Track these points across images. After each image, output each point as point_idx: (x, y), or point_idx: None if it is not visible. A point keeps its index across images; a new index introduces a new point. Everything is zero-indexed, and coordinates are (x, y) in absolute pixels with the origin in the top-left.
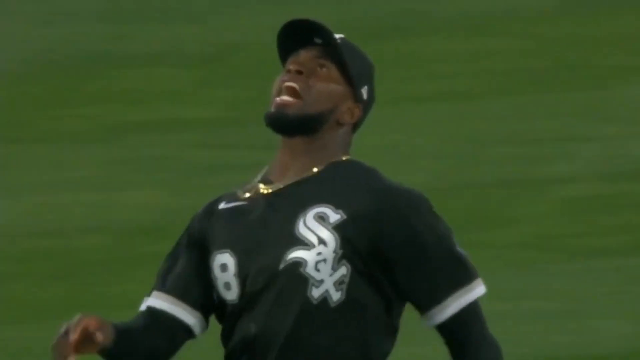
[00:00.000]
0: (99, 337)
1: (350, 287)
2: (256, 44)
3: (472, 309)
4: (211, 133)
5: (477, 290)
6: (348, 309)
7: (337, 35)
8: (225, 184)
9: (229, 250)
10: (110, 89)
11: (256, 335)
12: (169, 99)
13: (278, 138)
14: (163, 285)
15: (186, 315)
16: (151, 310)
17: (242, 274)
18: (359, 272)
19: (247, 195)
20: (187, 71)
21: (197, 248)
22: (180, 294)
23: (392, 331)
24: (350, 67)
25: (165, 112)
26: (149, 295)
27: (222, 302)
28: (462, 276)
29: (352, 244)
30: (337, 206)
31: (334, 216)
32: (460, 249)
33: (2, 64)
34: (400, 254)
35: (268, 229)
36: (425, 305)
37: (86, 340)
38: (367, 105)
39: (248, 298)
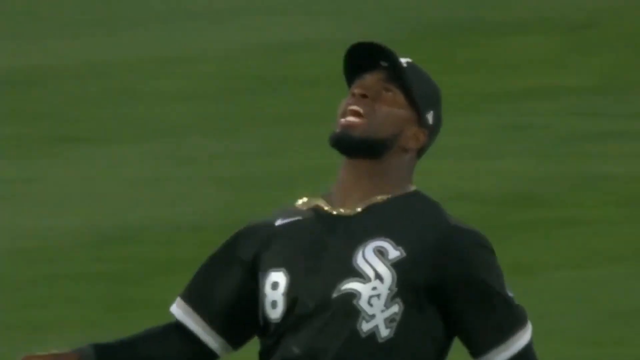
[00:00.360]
0: None
1: (400, 325)
2: (629, 9)
3: (529, 350)
4: (583, 101)
5: (524, 338)
6: (395, 347)
7: (404, 60)
8: (600, 152)
9: (283, 269)
10: (480, 57)
11: (299, 358)
12: (538, 67)
13: (342, 159)
14: (196, 305)
15: (212, 341)
16: (180, 326)
17: (292, 295)
18: (411, 311)
19: (306, 210)
20: (557, 38)
21: (240, 268)
22: (210, 319)
23: None
24: (416, 92)
25: (536, 81)
26: (181, 297)
27: (265, 320)
28: (516, 321)
29: (409, 282)
30: (397, 242)
31: (394, 252)
32: (510, 292)
33: (385, 33)
34: (459, 295)
35: (326, 254)
36: (480, 348)
37: None
38: (432, 131)
39: (294, 320)
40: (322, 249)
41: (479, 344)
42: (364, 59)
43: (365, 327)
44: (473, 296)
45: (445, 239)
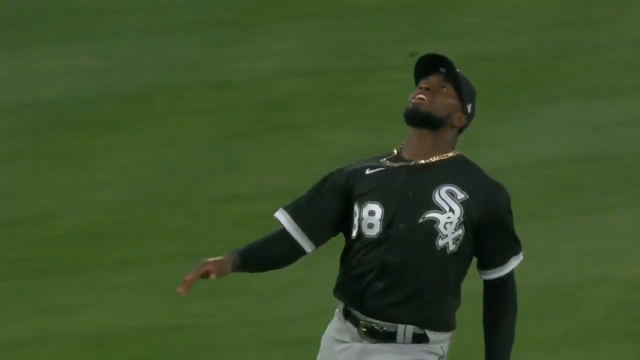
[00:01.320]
0: (213, 277)
1: (461, 243)
2: None
3: (513, 271)
4: None
5: (514, 264)
6: (457, 256)
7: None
8: None
9: (378, 202)
10: None
11: (393, 263)
12: None
13: (410, 130)
14: (300, 218)
15: (305, 243)
16: (283, 232)
17: (387, 220)
18: (467, 234)
19: (389, 163)
20: None
21: (339, 195)
22: (307, 229)
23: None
24: (463, 90)
25: None
26: (287, 210)
27: (359, 236)
28: (516, 248)
29: (469, 215)
30: (462, 188)
31: (460, 194)
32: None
33: None
34: (490, 226)
35: (412, 192)
36: (487, 264)
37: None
38: (470, 117)
39: (387, 237)
40: (409, 190)
41: (486, 262)
42: (429, 65)
43: (441, 242)
44: (498, 229)
45: (490, 190)
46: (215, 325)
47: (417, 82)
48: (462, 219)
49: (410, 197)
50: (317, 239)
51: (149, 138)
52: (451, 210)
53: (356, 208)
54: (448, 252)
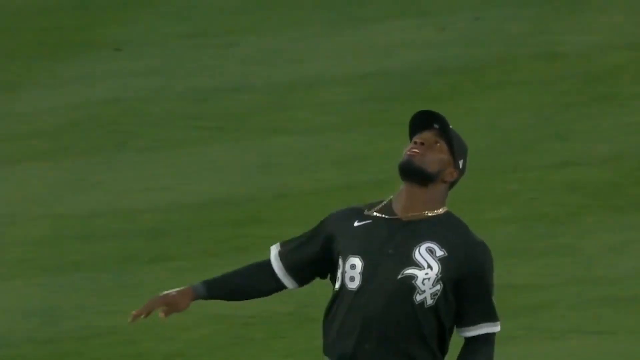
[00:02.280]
0: (161, 315)
1: (439, 298)
2: None
3: (492, 338)
4: None
5: (498, 327)
6: (434, 311)
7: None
8: None
9: (359, 256)
10: None
11: (372, 317)
12: None
13: (402, 184)
14: (286, 257)
15: (288, 282)
16: (270, 268)
17: (367, 274)
18: (445, 291)
19: (377, 215)
20: None
21: (325, 241)
22: (291, 270)
23: (449, 336)
24: (455, 146)
25: None
26: (280, 246)
27: (342, 287)
28: (493, 315)
29: (447, 272)
30: (442, 245)
31: (439, 252)
32: (494, 297)
33: None
34: (469, 287)
35: (392, 249)
36: (467, 322)
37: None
38: (461, 173)
39: (366, 291)
40: (390, 245)
41: (464, 321)
42: (424, 121)
43: (418, 298)
44: (477, 289)
45: (472, 250)
46: (546, 285)
47: (411, 137)
48: (439, 276)
49: (390, 254)
50: (300, 279)
51: (483, 108)
52: (429, 267)
53: (340, 261)
54: (426, 307)
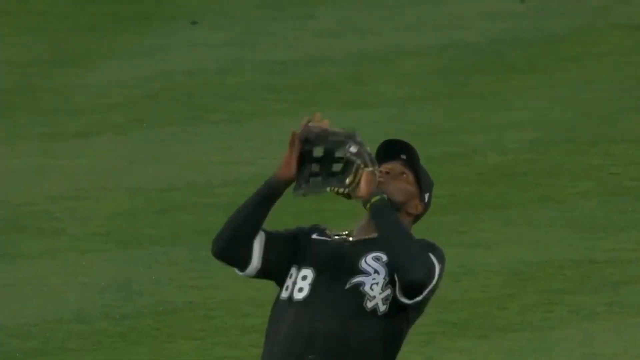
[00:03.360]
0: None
1: (391, 303)
2: None
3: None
4: None
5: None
6: (389, 318)
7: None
8: None
9: (312, 268)
10: None
11: (320, 329)
12: None
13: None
14: (271, 239)
15: (255, 258)
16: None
17: (315, 285)
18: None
19: (335, 237)
20: None
21: (293, 244)
22: (266, 256)
23: (401, 341)
24: (422, 178)
25: None
26: (265, 230)
27: (290, 298)
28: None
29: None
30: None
31: (385, 257)
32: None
33: None
34: None
35: (342, 261)
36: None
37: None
38: (426, 207)
39: (313, 303)
40: (340, 259)
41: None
42: (391, 150)
43: (369, 304)
44: None
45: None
46: (629, 260)
47: (379, 165)
48: (387, 279)
49: (338, 267)
50: (264, 266)
51: (562, 79)
52: (376, 272)
53: (293, 269)
54: (379, 313)
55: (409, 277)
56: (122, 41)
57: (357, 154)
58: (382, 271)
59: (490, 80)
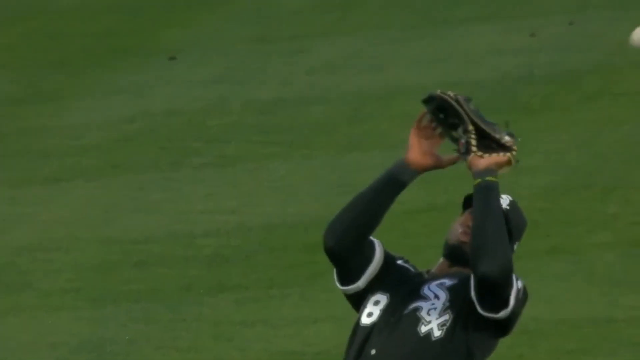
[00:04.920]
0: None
1: (450, 328)
2: None
3: None
4: None
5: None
6: (448, 344)
7: (505, 203)
8: None
9: (388, 294)
10: None
11: (374, 354)
12: None
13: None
14: (385, 256)
15: (371, 268)
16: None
17: (386, 311)
18: (461, 316)
19: (422, 274)
20: None
21: (386, 266)
22: (375, 270)
23: None
24: (514, 230)
25: None
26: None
27: (357, 323)
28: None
29: (457, 298)
30: (452, 278)
31: (449, 282)
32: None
33: None
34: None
35: (409, 288)
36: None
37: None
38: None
39: (377, 326)
40: (409, 286)
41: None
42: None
43: (423, 329)
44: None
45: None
46: None
47: (465, 206)
48: (447, 304)
49: (405, 294)
50: (366, 282)
51: (580, 120)
52: (436, 297)
53: (368, 294)
54: (433, 339)
55: (482, 269)
56: (96, 78)
57: (513, 142)
58: (443, 296)
59: (501, 120)
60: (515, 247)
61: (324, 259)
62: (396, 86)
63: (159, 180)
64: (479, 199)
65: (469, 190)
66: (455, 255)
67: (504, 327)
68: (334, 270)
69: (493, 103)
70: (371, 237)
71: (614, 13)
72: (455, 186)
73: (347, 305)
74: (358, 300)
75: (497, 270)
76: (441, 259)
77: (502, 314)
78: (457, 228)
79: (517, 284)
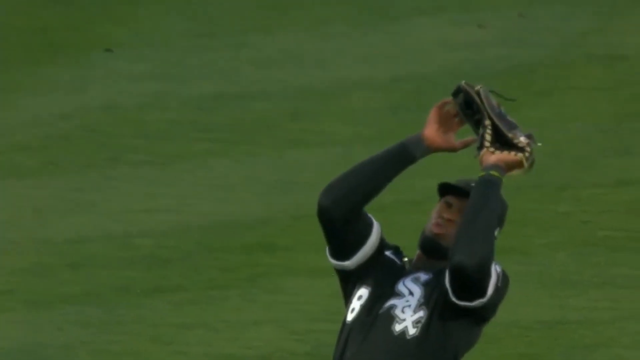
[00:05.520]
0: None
1: (425, 325)
2: None
3: None
4: None
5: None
6: (423, 342)
7: None
8: None
9: (370, 288)
10: None
11: (348, 355)
12: None
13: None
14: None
15: (368, 245)
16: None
17: (364, 311)
18: (436, 312)
19: (404, 267)
20: None
21: (377, 255)
22: (369, 251)
23: None
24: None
25: None
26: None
27: (345, 319)
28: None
29: (431, 294)
30: (428, 271)
31: (424, 277)
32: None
33: None
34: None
35: (387, 284)
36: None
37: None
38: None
39: (357, 325)
40: (389, 285)
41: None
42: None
43: (397, 327)
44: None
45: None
46: (603, 321)
47: (442, 193)
48: (422, 301)
49: (383, 291)
50: (361, 261)
51: (531, 117)
52: (411, 293)
53: (354, 289)
54: (408, 337)
55: (458, 258)
56: (31, 74)
57: (528, 144)
58: (418, 292)
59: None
60: (496, 233)
61: (265, 260)
62: (340, 82)
63: (96, 179)
64: (477, 192)
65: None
66: (429, 247)
67: (481, 315)
68: (326, 243)
69: (440, 99)
70: (372, 218)
71: (564, 7)
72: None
73: (289, 308)
74: (345, 285)
75: (473, 263)
76: (418, 251)
77: (477, 303)
78: (432, 219)
79: (495, 270)
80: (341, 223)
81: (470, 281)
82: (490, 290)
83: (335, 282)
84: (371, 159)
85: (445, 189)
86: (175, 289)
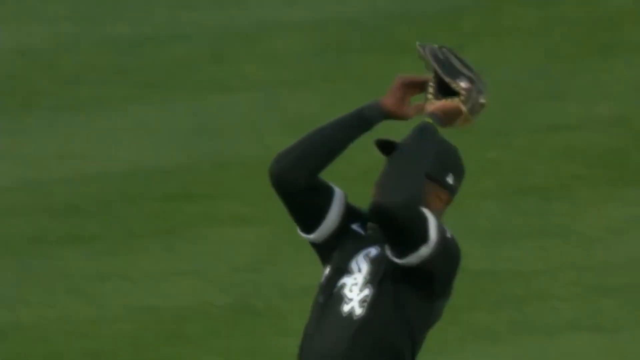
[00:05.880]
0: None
1: (372, 305)
2: None
3: None
4: None
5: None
6: (370, 323)
7: None
8: None
9: (330, 265)
10: None
11: (308, 341)
12: None
13: None
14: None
15: (331, 218)
16: (332, 190)
17: (321, 290)
18: (384, 288)
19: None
20: None
21: (345, 228)
22: (334, 221)
23: (405, 348)
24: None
25: None
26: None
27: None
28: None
29: (385, 263)
30: (377, 247)
31: (374, 251)
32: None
33: None
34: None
35: (339, 263)
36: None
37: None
38: (451, 192)
39: (316, 305)
40: (346, 261)
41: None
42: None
43: (345, 308)
44: None
45: None
46: (534, 272)
47: (385, 153)
48: (367, 278)
49: (339, 268)
50: (326, 232)
51: None
52: (359, 270)
53: (329, 262)
54: (355, 318)
55: (379, 199)
56: None
57: (467, 90)
58: (364, 269)
59: (376, 61)
60: (450, 180)
61: (186, 209)
62: (262, 23)
63: (7, 124)
64: (407, 138)
65: None
66: (373, 215)
67: (431, 280)
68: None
69: (366, 42)
70: (335, 188)
71: None
72: None
73: (210, 259)
74: (322, 261)
75: (394, 200)
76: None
77: (423, 250)
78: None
79: (443, 227)
80: (297, 190)
81: (396, 221)
82: (432, 232)
83: (259, 231)
84: (324, 126)
85: (384, 148)
86: (92, 238)
